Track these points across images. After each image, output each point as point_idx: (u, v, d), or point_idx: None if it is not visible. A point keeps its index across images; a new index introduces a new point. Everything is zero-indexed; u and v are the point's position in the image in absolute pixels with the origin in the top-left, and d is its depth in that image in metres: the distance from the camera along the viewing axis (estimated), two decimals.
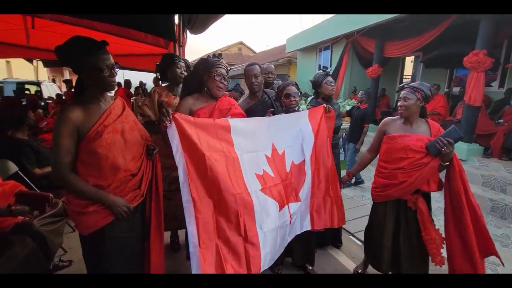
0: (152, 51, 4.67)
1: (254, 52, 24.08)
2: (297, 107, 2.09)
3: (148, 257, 1.47)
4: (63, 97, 6.45)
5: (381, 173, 1.94)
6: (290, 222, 1.79)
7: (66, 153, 1.20)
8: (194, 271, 1.35)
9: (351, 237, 2.87)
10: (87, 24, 3.02)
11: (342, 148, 5.99)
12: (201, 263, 1.36)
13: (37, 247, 1.55)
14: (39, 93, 8.17)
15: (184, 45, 3.77)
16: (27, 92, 7.98)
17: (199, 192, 1.44)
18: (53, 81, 13.32)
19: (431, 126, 1.84)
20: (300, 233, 1.91)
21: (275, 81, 3.37)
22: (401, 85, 2.00)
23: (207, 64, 1.74)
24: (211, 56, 1.81)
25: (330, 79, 2.41)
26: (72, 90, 5.82)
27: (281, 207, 1.74)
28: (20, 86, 8.36)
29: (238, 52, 24.28)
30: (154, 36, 3.29)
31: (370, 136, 4.31)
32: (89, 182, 1.25)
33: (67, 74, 17.19)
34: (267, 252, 1.58)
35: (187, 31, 3.35)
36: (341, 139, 5.96)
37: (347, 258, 2.46)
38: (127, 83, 7.94)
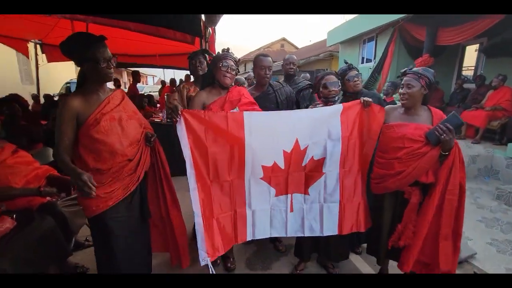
0: (186, 49, 4.88)
1: (297, 48, 23.63)
2: (336, 98, 1.97)
3: (171, 225, 1.76)
4: None
5: (378, 163, 1.82)
6: (292, 209, 1.87)
7: (64, 137, 1.31)
8: (199, 242, 1.65)
9: None
10: (122, 25, 3.29)
11: None
12: (205, 236, 1.67)
13: (58, 225, 1.72)
14: None
15: (212, 41, 3.85)
16: None
17: (202, 181, 1.70)
18: (115, 81, 14.90)
19: (434, 114, 1.68)
20: (328, 235, 1.90)
21: (302, 74, 3.24)
22: (402, 70, 1.77)
23: (215, 58, 1.85)
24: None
25: (351, 73, 2.13)
26: (119, 86, 6.42)
27: (279, 193, 1.87)
28: None
29: (280, 49, 24.09)
30: (181, 33, 3.41)
31: None
32: (90, 165, 1.35)
33: (125, 75, 19.03)
34: (254, 225, 1.87)
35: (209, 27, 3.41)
36: None
37: (366, 265, 2.24)
38: (172, 82, 8.49)
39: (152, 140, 1.57)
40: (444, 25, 5.80)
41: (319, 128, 1.79)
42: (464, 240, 2.73)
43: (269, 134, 1.75)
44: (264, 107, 2.17)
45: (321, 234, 1.89)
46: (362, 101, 1.80)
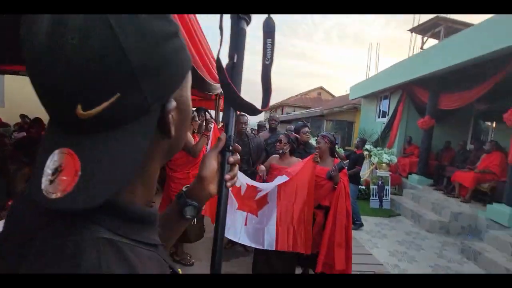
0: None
1: (333, 96, 24.81)
2: (281, 151, 2.71)
3: None
4: None
5: None
6: (246, 223, 2.56)
7: None
8: None
9: None
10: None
11: (377, 196, 5.97)
12: None
13: None
14: None
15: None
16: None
17: None
18: None
19: (335, 163, 2.50)
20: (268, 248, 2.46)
21: (288, 126, 4.33)
22: (319, 134, 2.66)
23: None
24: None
25: (306, 129, 3.17)
26: None
27: (239, 208, 2.56)
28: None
29: (317, 96, 25.53)
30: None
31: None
32: None
33: None
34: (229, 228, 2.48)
35: None
36: (376, 186, 5.99)
37: None
38: None
39: None
40: (444, 90, 6.38)
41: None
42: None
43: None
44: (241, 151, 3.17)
45: (262, 247, 2.49)
46: (313, 159, 2.47)
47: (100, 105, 0.29)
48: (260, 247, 2.51)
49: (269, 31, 0.80)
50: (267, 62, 0.82)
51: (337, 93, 25.91)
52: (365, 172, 7.05)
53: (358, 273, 2.98)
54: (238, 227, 2.57)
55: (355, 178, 4.63)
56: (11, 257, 0.33)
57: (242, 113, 3.43)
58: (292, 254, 2.53)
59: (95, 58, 0.28)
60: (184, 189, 0.66)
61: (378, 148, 7.27)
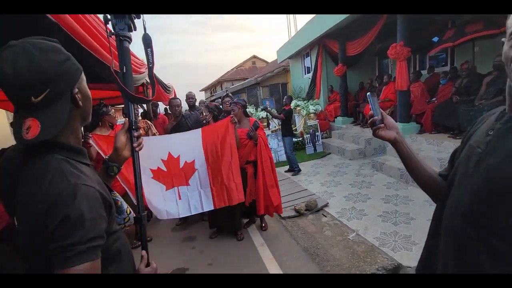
0: None
1: (267, 62, 25.42)
2: (204, 121, 3.22)
3: None
4: None
5: None
6: (180, 197, 2.74)
7: None
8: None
9: (282, 221, 3.50)
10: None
11: (311, 143, 6.93)
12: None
13: None
14: None
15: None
16: None
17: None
18: None
19: (251, 122, 3.00)
20: (207, 210, 2.80)
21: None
22: (231, 103, 3.11)
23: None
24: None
25: (226, 99, 3.62)
26: None
27: (168, 188, 2.72)
28: None
29: (252, 66, 25.91)
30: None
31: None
32: None
33: None
34: (155, 208, 2.64)
35: None
36: (308, 135, 6.91)
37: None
38: None
39: None
40: (348, 39, 7.35)
41: (187, 142, 2.77)
42: (327, 196, 4.09)
43: (149, 149, 2.60)
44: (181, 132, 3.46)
45: (202, 210, 2.72)
46: (231, 119, 2.90)
47: (41, 95, 0.65)
48: (200, 211, 2.77)
49: (147, 43, 1.21)
50: (150, 65, 1.25)
51: (270, 59, 26.58)
52: (299, 125, 7.99)
53: (294, 204, 3.80)
54: (174, 205, 2.70)
55: (289, 132, 5.38)
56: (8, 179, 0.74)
57: (174, 97, 3.76)
58: (231, 208, 2.86)
59: (34, 77, 0.64)
60: (107, 157, 1.04)
61: (305, 101, 8.18)
